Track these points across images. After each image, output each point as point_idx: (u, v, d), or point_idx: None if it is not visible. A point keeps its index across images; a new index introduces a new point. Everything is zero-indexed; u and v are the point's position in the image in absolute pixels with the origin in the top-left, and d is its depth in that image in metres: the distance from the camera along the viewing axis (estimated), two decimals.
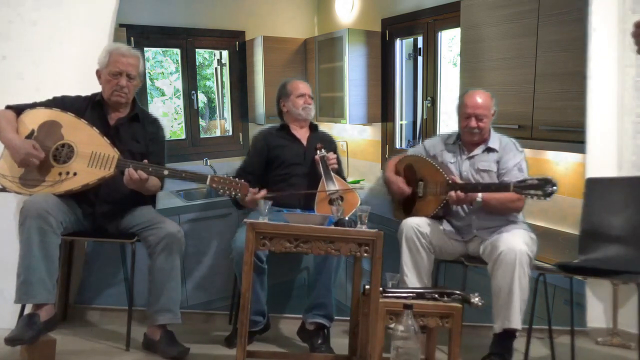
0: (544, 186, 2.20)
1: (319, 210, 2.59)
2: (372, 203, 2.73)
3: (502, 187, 2.35)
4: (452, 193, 2.36)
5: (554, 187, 2.19)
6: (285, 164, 2.75)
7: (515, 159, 2.50)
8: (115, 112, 2.47)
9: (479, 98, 2.50)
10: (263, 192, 2.59)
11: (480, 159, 2.54)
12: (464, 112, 2.52)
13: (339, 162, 2.84)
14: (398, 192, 2.68)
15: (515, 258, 2.21)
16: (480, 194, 2.38)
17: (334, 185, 2.65)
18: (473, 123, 2.49)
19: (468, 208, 2.51)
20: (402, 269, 2.47)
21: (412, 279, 2.45)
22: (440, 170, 2.53)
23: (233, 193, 2.27)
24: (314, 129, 2.91)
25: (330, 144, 2.89)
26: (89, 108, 2.45)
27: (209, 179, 2.27)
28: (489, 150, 2.55)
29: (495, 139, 2.57)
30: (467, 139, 2.57)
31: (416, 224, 2.47)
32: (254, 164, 2.78)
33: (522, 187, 2.25)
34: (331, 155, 2.73)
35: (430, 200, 2.56)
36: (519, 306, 2.22)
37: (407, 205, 2.68)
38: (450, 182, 2.47)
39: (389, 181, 2.74)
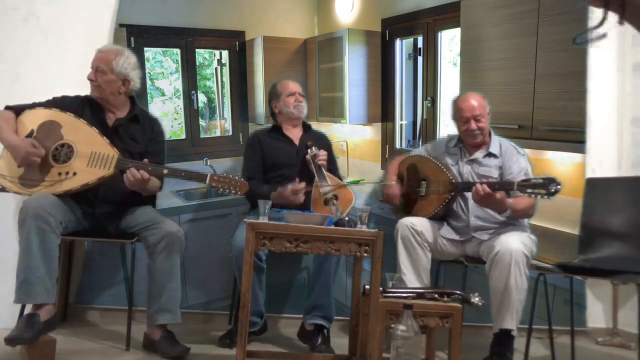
0: (548, 185, 2.20)
1: (315, 210, 2.58)
2: (372, 203, 2.73)
3: (506, 185, 2.35)
4: (479, 185, 2.31)
5: (558, 186, 2.19)
6: (279, 166, 2.73)
7: (519, 163, 2.49)
8: (113, 113, 2.47)
9: (473, 100, 2.52)
10: (303, 184, 2.59)
11: (481, 164, 2.54)
12: (462, 117, 2.53)
13: (332, 160, 2.82)
14: (390, 197, 2.69)
15: (511, 258, 2.21)
16: (510, 206, 2.34)
17: (326, 184, 2.64)
18: (473, 125, 2.50)
19: (467, 208, 2.51)
20: (400, 267, 2.47)
21: (411, 277, 2.45)
22: (444, 169, 2.53)
23: (233, 192, 2.27)
24: (307, 129, 2.88)
25: (321, 141, 2.85)
26: (86, 108, 2.44)
27: (208, 178, 2.27)
28: (490, 155, 2.55)
29: (496, 143, 2.56)
30: (470, 142, 2.57)
31: (411, 223, 2.48)
32: (255, 166, 2.76)
33: (526, 186, 2.25)
34: (321, 152, 2.69)
35: (432, 200, 2.56)
36: (514, 306, 2.23)
37: (409, 206, 2.68)
38: (453, 180, 2.47)
39: (385, 194, 2.74)
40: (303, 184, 2.60)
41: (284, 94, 2.82)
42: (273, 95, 2.87)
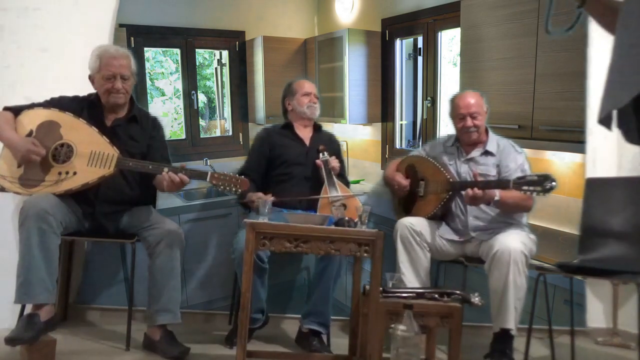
0: (543, 182, 2.21)
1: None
2: (372, 203, 2.73)
3: (502, 183, 2.36)
4: (469, 190, 2.34)
5: (553, 183, 2.20)
6: (287, 164, 2.74)
7: (516, 160, 2.50)
8: (112, 113, 2.46)
9: (471, 98, 2.53)
10: (270, 198, 2.57)
11: (478, 163, 2.55)
12: (458, 114, 2.54)
13: (342, 165, 2.84)
14: (398, 189, 2.67)
15: (510, 257, 2.22)
16: (497, 193, 2.36)
17: (336, 192, 2.65)
18: (469, 122, 2.51)
19: (465, 208, 2.51)
20: (399, 267, 2.47)
21: (410, 277, 2.46)
22: (442, 169, 2.53)
23: (234, 189, 2.27)
24: (318, 129, 2.90)
25: (333, 144, 2.88)
26: (85, 109, 2.44)
27: (209, 176, 2.27)
28: (487, 153, 2.55)
29: (493, 142, 2.57)
30: (466, 140, 2.58)
31: (410, 223, 2.48)
32: (256, 162, 2.78)
33: (522, 183, 2.26)
34: (333, 159, 2.73)
35: (431, 199, 2.56)
36: (513, 305, 2.23)
37: (408, 206, 2.68)
38: (451, 180, 2.48)
39: (388, 180, 2.74)
40: (269, 198, 2.57)
41: (300, 92, 2.84)
42: (288, 92, 2.90)
